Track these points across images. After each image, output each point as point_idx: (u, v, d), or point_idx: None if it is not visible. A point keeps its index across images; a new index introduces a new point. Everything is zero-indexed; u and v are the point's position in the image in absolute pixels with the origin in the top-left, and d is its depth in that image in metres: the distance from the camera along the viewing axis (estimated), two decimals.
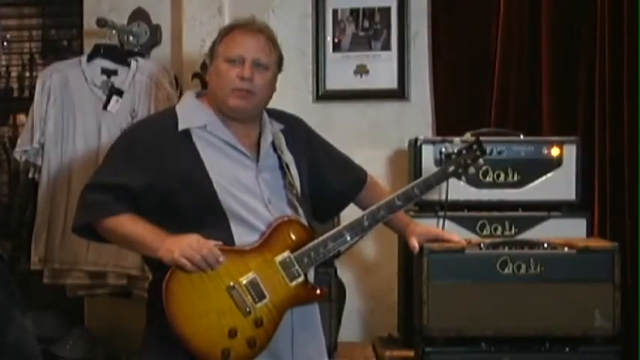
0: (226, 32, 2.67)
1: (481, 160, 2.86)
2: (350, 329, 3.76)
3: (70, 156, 3.63)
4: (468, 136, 2.83)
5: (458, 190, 3.27)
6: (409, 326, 3.35)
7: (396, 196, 2.73)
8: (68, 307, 3.90)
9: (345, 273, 3.71)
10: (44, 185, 3.66)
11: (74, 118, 3.63)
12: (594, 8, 3.58)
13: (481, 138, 2.93)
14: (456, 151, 2.84)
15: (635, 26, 3.44)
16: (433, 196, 3.18)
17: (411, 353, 3.26)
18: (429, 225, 3.09)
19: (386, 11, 3.87)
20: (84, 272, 3.63)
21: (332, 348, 3.36)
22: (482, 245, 3.05)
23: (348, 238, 2.65)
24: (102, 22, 3.65)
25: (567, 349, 3.03)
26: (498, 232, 3.37)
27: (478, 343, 3.04)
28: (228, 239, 2.55)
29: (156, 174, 2.55)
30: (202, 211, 2.55)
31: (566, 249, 3.02)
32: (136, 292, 3.59)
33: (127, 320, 3.57)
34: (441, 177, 2.82)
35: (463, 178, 2.88)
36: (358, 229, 2.67)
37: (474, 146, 2.84)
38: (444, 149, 2.89)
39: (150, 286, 2.67)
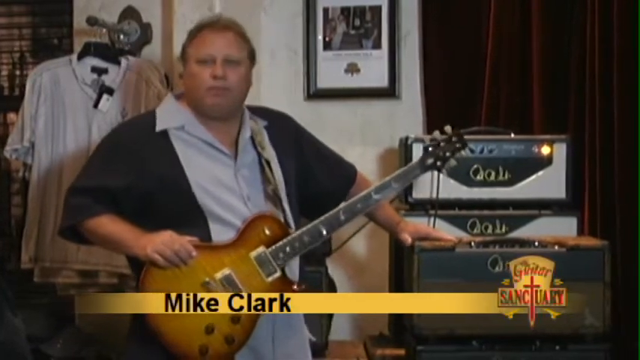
0: (194, 33, 2.66)
1: (463, 152, 2.80)
2: (341, 328, 3.75)
3: (60, 155, 3.62)
4: (448, 129, 2.78)
5: (448, 188, 3.27)
6: (400, 325, 3.34)
7: (373, 189, 2.70)
8: (59, 305, 3.89)
9: (336, 272, 3.71)
10: (35, 184, 3.64)
11: (65, 116, 3.62)
12: (584, 7, 3.58)
13: (473, 136, 2.91)
14: (434, 142, 2.79)
15: (624, 25, 3.43)
16: (424, 194, 3.21)
17: (402, 352, 3.25)
18: (419, 223, 3.07)
19: (377, 10, 3.87)
20: (75, 271, 3.62)
21: (323, 347, 3.37)
22: (472, 244, 3.04)
23: (325, 233, 2.62)
24: (92, 21, 3.64)
25: (558, 348, 3.01)
26: (489, 231, 3.37)
27: (469, 341, 3.03)
28: (205, 237, 2.55)
29: (135, 175, 2.56)
30: (180, 211, 2.56)
31: (556, 247, 3.00)
32: (127, 290, 3.53)
33: (118, 319, 3.53)
34: (419, 169, 2.77)
35: (444, 171, 2.80)
36: (335, 223, 2.64)
37: (453, 138, 2.78)
38: (428, 140, 2.84)
39: (135, 285, 2.67)
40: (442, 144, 2.76)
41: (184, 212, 2.56)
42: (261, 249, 2.56)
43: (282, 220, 2.62)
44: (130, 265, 2.71)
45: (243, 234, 2.56)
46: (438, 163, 2.76)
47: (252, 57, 2.69)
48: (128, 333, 2.65)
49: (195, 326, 2.49)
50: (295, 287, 2.59)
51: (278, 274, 2.57)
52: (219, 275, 2.52)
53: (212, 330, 2.50)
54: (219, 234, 2.56)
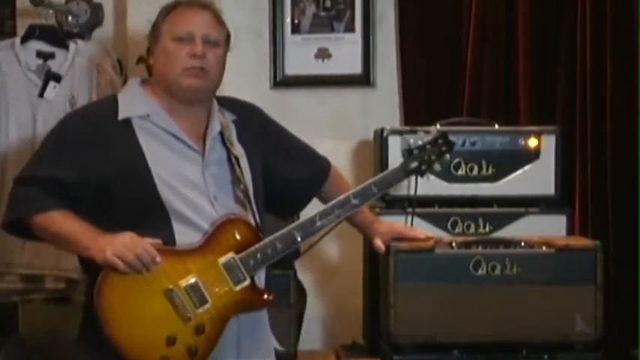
0: (170, 10, 2.61)
1: (447, 156, 2.79)
2: (311, 336, 3.70)
3: (2, 148, 3.47)
4: (433, 129, 2.80)
5: (428, 184, 3.14)
6: (375, 333, 3.31)
7: (351, 194, 2.66)
8: (1, 313, 3.77)
9: (305, 275, 3.64)
10: None
11: (7, 105, 3.48)
12: None
13: (453, 127, 2.96)
14: (419, 145, 2.77)
15: (617, 10, 3.41)
16: (401, 191, 3.11)
17: None
18: (394, 222, 3.03)
19: None
20: (18, 275, 3.48)
21: (292, 357, 3.33)
22: (453, 244, 3.02)
23: (299, 239, 2.58)
24: (37, 1, 3.51)
25: (546, 356, 2.98)
26: (471, 230, 3.32)
27: (450, 350, 3.00)
28: (168, 239, 2.47)
29: (91, 166, 2.49)
30: (141, 208, 2.49)
31: (544, 248, 2.99)
32: (75, 297, 3.43)
33: (66, 327, 3.37)
34: (402, 175, 2.74)
35: (427, 175, 2.79)
36: (311, 229, 2.60)
37: (439, 140, 2.75)
38: (412, 142, 2.82)
39: (86, 289, 2.59)
40: (428, 147, 2.75)
41: (145, 209, 2.49)
42: (230, 255, 2.50)
43: (253, 223, 2.58)
44: (83, 268, 2.63)
45: (212, 238, 2.50)
46: (423, 167, 2.75)
47: (228, 41, 2.66)
48: (76, 341, 2.59)
49: (156, 337, 2.43)
50: (265, 297, 2.55)
51: (247, 282, 2.51)
52: (183, 283, 2.45)
53: (174, 341, 2.43)
54: (184, 236, 2.49)
